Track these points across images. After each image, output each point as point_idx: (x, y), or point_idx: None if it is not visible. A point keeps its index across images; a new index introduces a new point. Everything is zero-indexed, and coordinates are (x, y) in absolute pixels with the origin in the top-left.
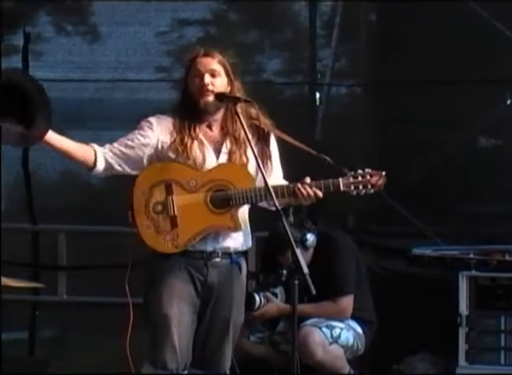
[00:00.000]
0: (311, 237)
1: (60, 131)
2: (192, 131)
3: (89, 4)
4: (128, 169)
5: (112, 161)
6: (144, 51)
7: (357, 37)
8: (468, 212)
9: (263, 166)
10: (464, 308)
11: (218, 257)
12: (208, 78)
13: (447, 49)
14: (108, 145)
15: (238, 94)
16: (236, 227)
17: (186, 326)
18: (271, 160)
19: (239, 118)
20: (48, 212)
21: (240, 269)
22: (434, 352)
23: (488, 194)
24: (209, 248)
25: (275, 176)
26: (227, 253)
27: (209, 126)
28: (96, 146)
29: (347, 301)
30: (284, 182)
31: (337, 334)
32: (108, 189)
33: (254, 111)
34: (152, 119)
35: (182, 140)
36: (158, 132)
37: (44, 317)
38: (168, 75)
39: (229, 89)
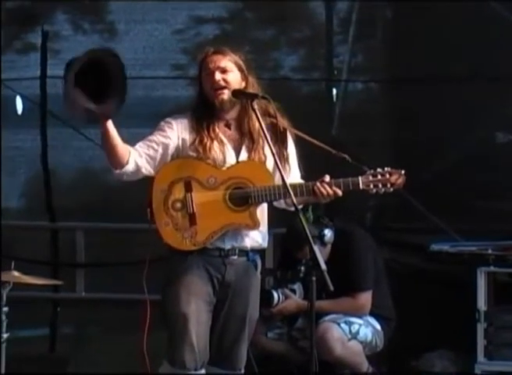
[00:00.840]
0: (328, 233)
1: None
2: (211, 131)
3: (106, 3)
4: (153, 172)
5: (140, 165)
6: (161, 48)
7: (373, 33)
8: (486, 208)
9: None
10: (482, 303)
11: (235, 255)
12: (218, 75)
13: (463, 45)
14: (131, 149)
15: (253, 91)
16: (255, 225)
17: (204, 324)
18: (288, 162)
19: (256, 114)
20: (66, 210)
21: (255, 266)
22: (452, 349)
23: (506, 189)
24: (227, 246)
25: (293, 177)
26: (244, 250)
27: (227, 125)
28: (130, 148)
29: (366, 298)
30: (302, 182)
31: (356, 330)
32: (125, 187)
33: (271, 108)
34: (170, 119)
35: (201, 141)
36: (177, 131)
37: (64, 314)
38: (185, 72)
39: (243, 85)
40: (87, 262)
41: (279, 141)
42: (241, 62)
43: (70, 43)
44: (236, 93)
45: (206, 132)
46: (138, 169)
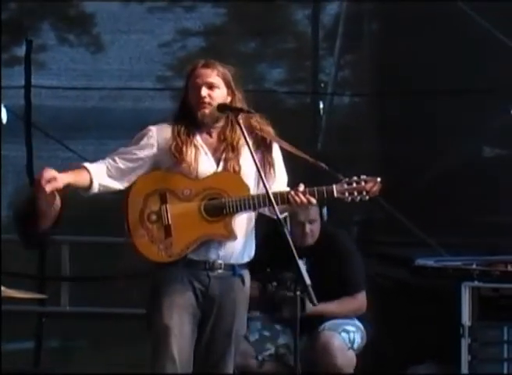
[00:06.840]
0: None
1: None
2: (186, 137)
3: (92, 15)
4: (121, 187)
5: (107, 185)
6: (147, 59)
7: (359, 46)
8: (471, 222)
9: (264, 174)
10: (466, 319)
11: (220, 268)
12: (204, 91)
13: (450, 59)
14: (94, 169)
15: (239, 105)
16: (230, 236)
17: (187, 336)
18: (273, 167)
19: (241, 128)
20: None
21: (242, 281)
22: (437, 363)
23: (492, 204)
24: (212, 257)
25: (279, 183)
26: (230, 265)
27: (209, 133)
28: (90, 167)
29: (363, 297)
30: (287, 189)
31: (352, 339)
32: (111, 200)
33: (254, 122)
34: (152, 128)
35: (177, 145)
36: (157, 139)
37: (49, 327)
38: (171, 84)
39: (229, 99)
40: (72, 275)
41: (263, 147)
42: (229, 77)
43: (55, 53)
44: (222, 107)
45: (184, 137)
46: (106, 188)
